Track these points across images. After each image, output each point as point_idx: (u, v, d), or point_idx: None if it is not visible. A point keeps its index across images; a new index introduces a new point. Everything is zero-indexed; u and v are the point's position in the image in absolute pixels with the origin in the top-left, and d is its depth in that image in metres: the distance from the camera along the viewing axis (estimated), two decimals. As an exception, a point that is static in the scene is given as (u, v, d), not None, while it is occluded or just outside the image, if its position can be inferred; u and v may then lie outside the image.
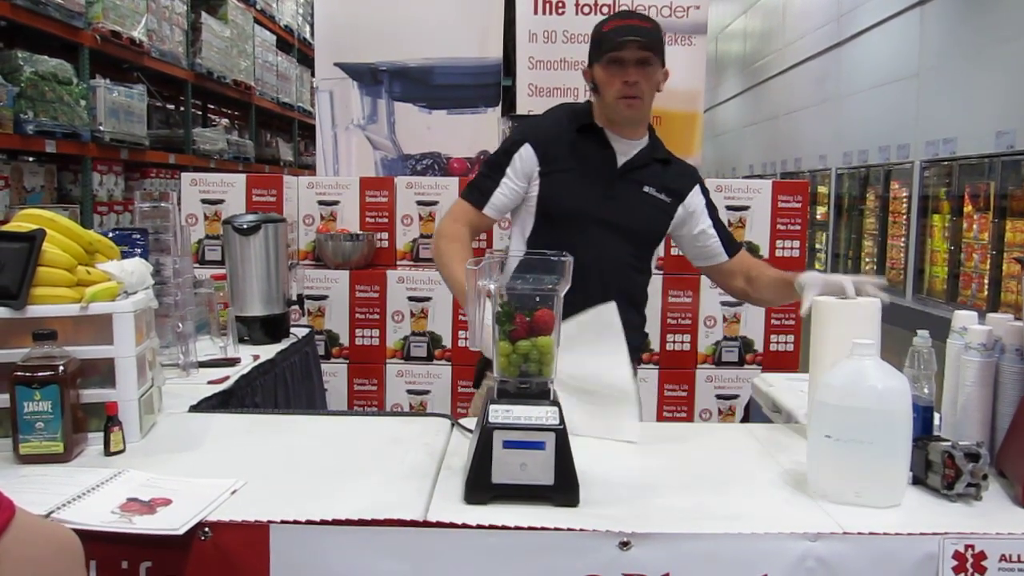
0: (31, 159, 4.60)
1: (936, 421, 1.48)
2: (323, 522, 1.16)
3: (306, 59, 8.86)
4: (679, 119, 3.74)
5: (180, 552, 1.15)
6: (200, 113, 7.75)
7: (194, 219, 3.42)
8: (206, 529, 1.16)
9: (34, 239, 1.45)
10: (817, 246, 11.83)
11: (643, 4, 3.72)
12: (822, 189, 11.54)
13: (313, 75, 4.09)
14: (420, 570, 1.16)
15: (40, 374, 1.36)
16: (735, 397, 3.41)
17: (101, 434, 1.45)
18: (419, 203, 3.41)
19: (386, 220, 3.44)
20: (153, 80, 5.97)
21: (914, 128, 8.51)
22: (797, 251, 3.43)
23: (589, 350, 1.54)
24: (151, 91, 5.88)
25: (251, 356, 2.27)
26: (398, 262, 3.44)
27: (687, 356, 3.42)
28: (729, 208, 3.36)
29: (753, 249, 3.38)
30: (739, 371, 3.41)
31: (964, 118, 7.50)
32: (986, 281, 7.22)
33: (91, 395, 1.47)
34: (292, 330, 2.61)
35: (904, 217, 8.91)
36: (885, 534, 1.17)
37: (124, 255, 1.69)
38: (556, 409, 1.27)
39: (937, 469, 1.31)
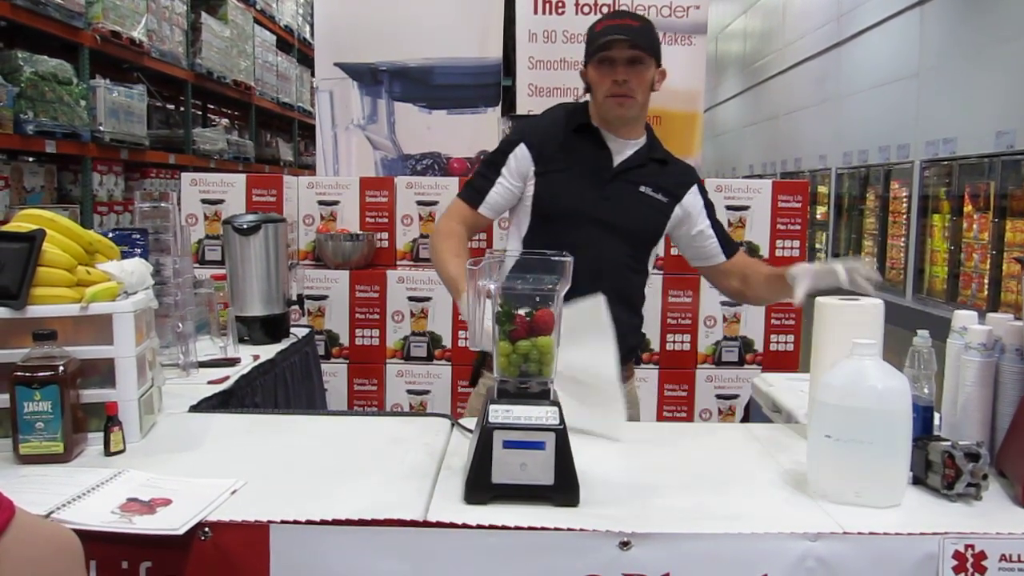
0: (31, 159, 4.60)
1: (936, 421, 1.48)
2: (323, 522, 1.16)
3: (306, 59, 8.86)
4: (679, 119, 3.74)
5: (180, 552, 1.15)
6: (200, 113, 7.76)
7: (194, 219, 3.42)
8: (206, 529, 1.16)
9: (34, 239, 1.45)
10: (817, 246, 11.83)
11: (643, 4, 3.72)
12: (822, 189, 11.54)
13: (313, 75, 4.09)
14: (420, 570, 1.16)
15: (40, 374, 1.36)
16: (735, 397, 3.41)
17: (101, 434, 1.45)
18: (419, 203, 3.41)
19: (386, 220, 3.44)
20: (153, 80, 5.97)
21: (914, 128, 8.51)
22: (797, 251, 3.43)
23: (575, 341, 1.53)
24: (151, 91, 5.88)
25: (251, 356, 2.27)
26: (398, 262, 3.44)
27: (687, 356, 3.42)
28: (729, 208, 3.36)
29: (753, 249, 3.38)
30: (739, 371, 3.41)
31: (964, 118, 7.50)
32: (986, 281, 7.22)
33: (91, 395, 1.47)
34: (292, 330, 2.61)
35: (904, 217, 8.91)
36: (885, 534, 1.17)
37: (124, 255, 1.69)
38: (556, 409, 1.27)
39: (937, 469, 1.31)
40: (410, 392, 3.41)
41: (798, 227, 3.41)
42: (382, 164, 3.87)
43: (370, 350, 3.40)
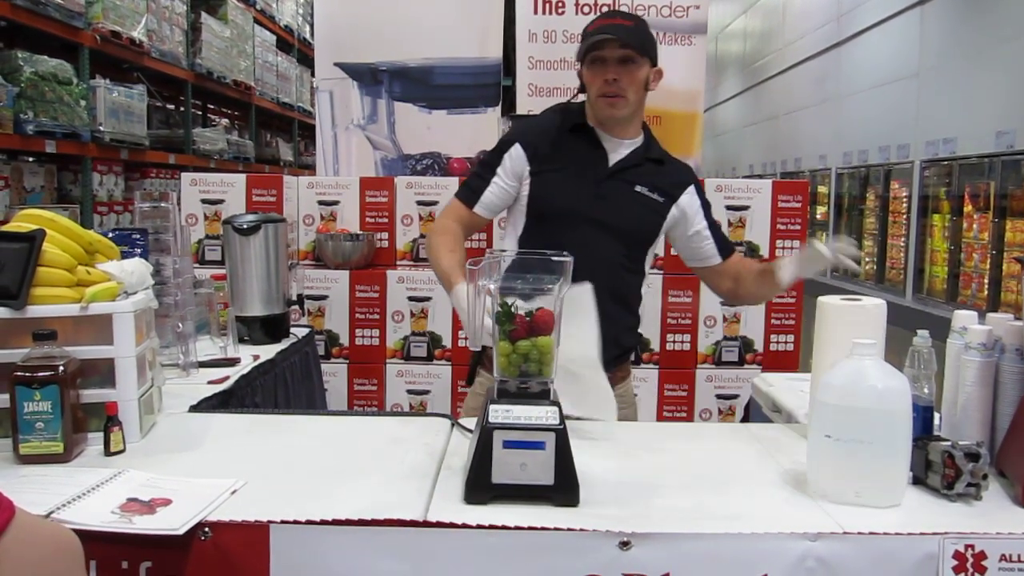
0: (31, 159, 4.60)
1: (936, 421, 1.48)
2: (323, 522, 1.16)
3: (306, 59, 8.86)
4: (679, 119, 3.73)
5: (180, 552, 1.15)
6: (200, 113, 7.76)
7: (194, 219, 3.42)
8: (206, 529, 1.16)
9: (34, 239, 1.45)
10: (817, 246, 11.80)
11: (643, 4, 3.72)
12: (822, 189, 11.54)
13: (313, 75, 4.09)
14: (420, 570, 1.16)
15: (40, 374, 1.36)
16: (735, 397, 3.41)
17: (101, 434, 1.45)
18: (419, 203, 3.41)
19: (386, 220, 3.44)
20: (153, 80, 5.97)
21: (914, 128, 8.51)
22: (797, 251, 3.42)
23: (561, 328, 1.53)
24: (151, 91, 5.88)
25: (251, 356, 2.27)
26: (398, 262, 3.44)
27: (687, 356, 3.42)
28: (729, 208, 3.36)
29: (753, 249, 3.38)
30: (739, 371, 3.41)
31: (964, 118, 7.50)
32: (986, 281, 7.22)
33: (91, 395, 1.47)
34: (292, 330, 2.61)
35: (904, 217, 8.91)
36: (885, 534, 1.17)
37: (124, 255, 1.69)
38: (556, 409, 1.27)
39: (937, 469, 1.31)
40: (410, 392, 3.41)
41: (798, 227, 3.41)
42: (382, 164, 3.87)
43: (370, 350, 3.40)
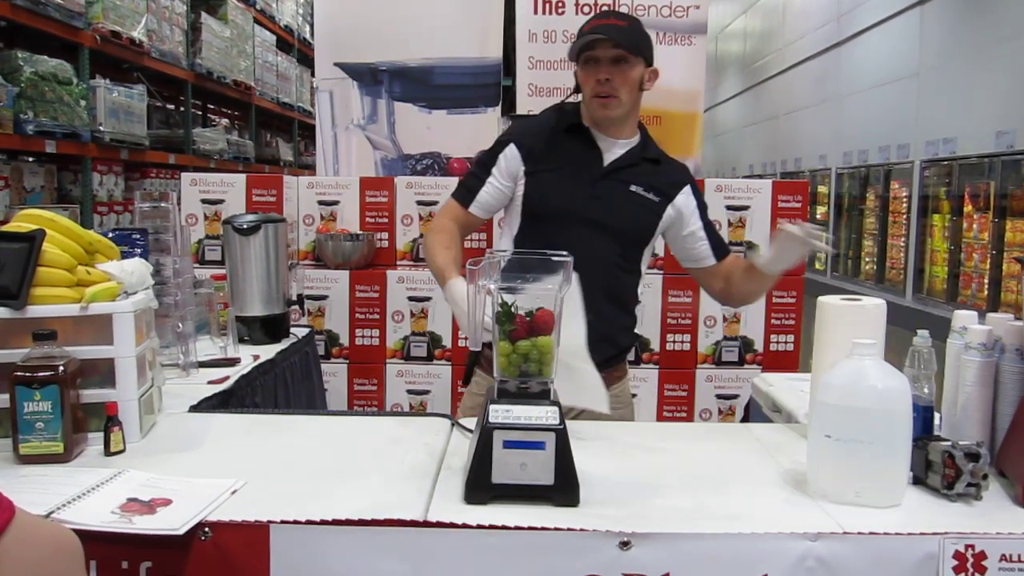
0: (31, 159, 4.60)
1: (936, 421, 1.47)
2: (323, 522, 1.16)
3: (306, 59, 8.86)
4: (679, 119, 3.73)
5: (180, 552, 1.14)
6: (200, 113, 7.76)
7: (194, 219, 3.42)
8: (206, 529, 1.16)
9: (34, 239, 1.45)
10: (817, 246, 11.81)
11: (643, 4, 3.72)
12: (822, 189, 11.55)
13: (313, 75, 4.09)
14: (420, 570, 1.16)
15: (40, 374, 1.36)
16: (735, 397, 3.41)
17: (101, 434, 1.45)
18: (419, 203, 3.41)
19: (386, 220, 3.44)
20: (153, 80, 5.97)
21: (914, 128, 8.51)
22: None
23: None
24: (151, 91, 5.88)
25: (251, 356, 2.27)
26: (398, 262, 3.44)
27: (687, 356, 3.42)
28: (729, 208, 3.36)
29: (753, 249, 3.38)
30: (739, 371, 3.41)
31: (964, 118, 7.50)
32: (986, 281, 7.22)
33: (91, 395, 1.47)
34: (292, 330, 2.61)
35: (904, 217, 8.91)
36: (885, 534, 1.17)
37: (124, 255, 1.69)
38: (556, 409, 1.27)
39: (937, 469, 1.31)
40: (410, 392, 3.41)
41: (798, 227, 3.41)
42: (382, 164, 3.87)
43: (370, 350, 3.40)
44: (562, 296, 1.33)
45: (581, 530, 1.15)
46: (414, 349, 3.39)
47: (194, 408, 1.78)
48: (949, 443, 1.30)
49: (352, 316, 3.38)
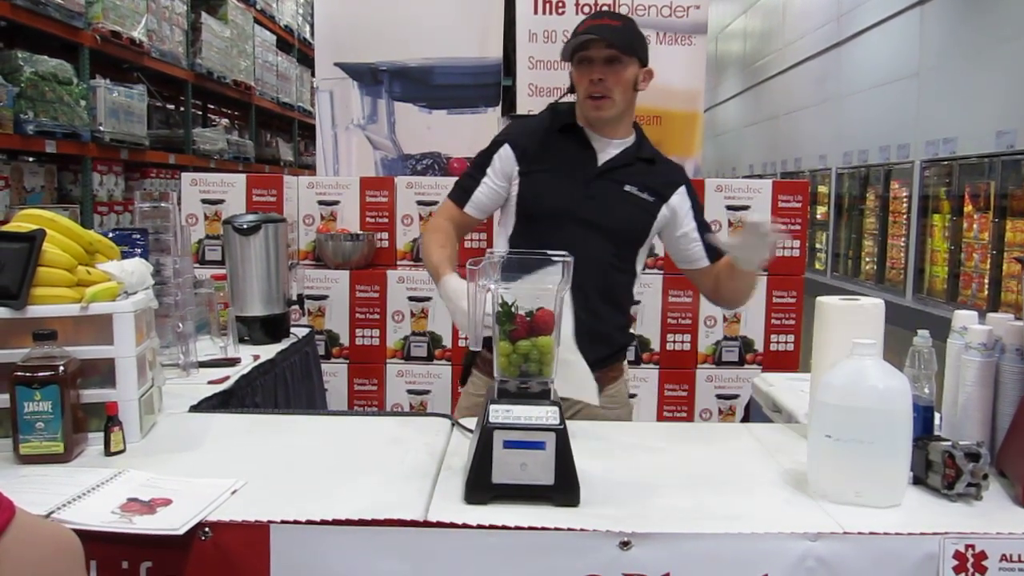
0: (31, 159, 4.60)
1: (936, 421, 1.47)
2: (323, 522, 1.16)
3: (306, 59, 8.86)
4: (679, 119, 3.74)
5: (180, 552, 1.14)
6: (200, 113, 7.76)
7: (194, 219, 3.42)
8: (206, 529, 1.16)
9: (34, 239, 1.45)
10: (817, 246, 11.84)
11: (643, 4, 3.72)
12: (822, 189, 11.55)
13: (313, 75, 4.09)
14: (420, 570, 1.16)
15: (40, 374, 1.36)
16: (735, 397, 3.41)
17: (101, 434, 1.45)
18: (419, 203, 3.41)
19: (386, 220, 3.44)
20: (153, 80, 5.97)
21: (914, 128, 8.51)
22: (797, 251, 3.43)
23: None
24: (151, 91, 5.88)
25: (251, 356, 2.27)
26: (398, 262, 3.44)
27: (687, 356, 3.42)
28: (729, 208, 3.36)
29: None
30: (739, 371, 3.41)
31: (964, 118, 7.50)
32: (986, 281, 7.23)
33: (91, 395, 1.47)
34: (292, 330, 2.61)
35: (904, 217, 8.91)
36: (885, 534, 1.17)
37: (124, 255, 1.69)
38: (556, 409, 1.27)
39: (937, 469, 1.31)
40: (410, 392, 3.41)
41: (798, 227, 3.41)
42: (382, 164, 3.86)
43: (370, 350, 3.40)
44: (562, 296, 1.33)
45: (581, 530, 1.15)
46: (414, 349, 3.40)
47: (194, 408, 1.78)
48: (949, 443, 1.30)
49: (352, 316, 3.38)
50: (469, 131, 3.83)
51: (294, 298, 2.64)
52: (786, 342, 3.42)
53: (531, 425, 1.24)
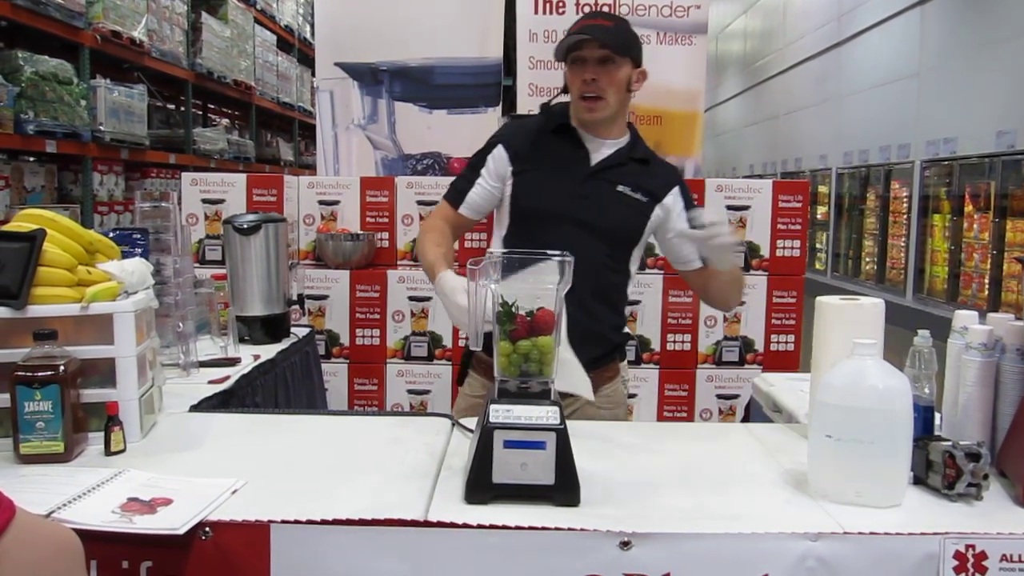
0: (31, 159, 4.60)
1: (937, 421, 1.48)
2: (323, 522, 1.16)
3: (306, 59, 8.86)
4: (679, 119, 3.73)
5: (181, 552, 1.15)
6: (200, 113, 7.75)
7: (194, 219, 3.42)
8: (207, 529, 1.16)
9: (34, 239, 1.45)
10: (817, 246, 11.85)
11: (643, 4, 3.71)
12: (822, 189, 11.55)
13: (313, 75, 4.09)
14: (420, 570, 1.16)
15: (40, 374, 1.36)
16: (735, 397, 3.41)
17: (101, 434, 1.45)
18: (419, 203, 3.41)
19: (386, 220, 3.44)
20: (153, 80, 5.97)
21: (914, 128, 8.51)
22: (797, 251, 3.43)
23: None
24: (151, 91, 5.88)
25: (251, 356, 2.27)
26: (398, 262, 3.44)
27: (687, 356, 3.42)
28: (729, 208, 3.36)
29: (753, 249, 3.38)
30: (739, 371, 3.41)
31: (964, 118, 7.51)
32: (986, 281, 7.23)
33: (91, 395, 1.47)
34: (292, 330, 2.61)
35: (904, 217, 8.91)
36: (886, 534, 1.17)
37: (124, 255, 1.69)
38: (557, 409, 1.27)
39: (938, 469, 1.31)
40: (410, 392, 3.41)
41: (798, 227, 3.41)
42: (382, 164, 3.86)
43: (370, 350, 3.40)
44: (562, 296, 1.33)
45: (581, 530, 1.15)
46: (414, 349, 3.40)
47: (194, 408, 1.78)
48: (950, 443, 1.30)
49: (352, 316, 3.38)
50: (469, 131, 3.83)
51: (294, 298, 2.64)
52: (786, 342, 3.42)
53: (531, 425, 1.24)
